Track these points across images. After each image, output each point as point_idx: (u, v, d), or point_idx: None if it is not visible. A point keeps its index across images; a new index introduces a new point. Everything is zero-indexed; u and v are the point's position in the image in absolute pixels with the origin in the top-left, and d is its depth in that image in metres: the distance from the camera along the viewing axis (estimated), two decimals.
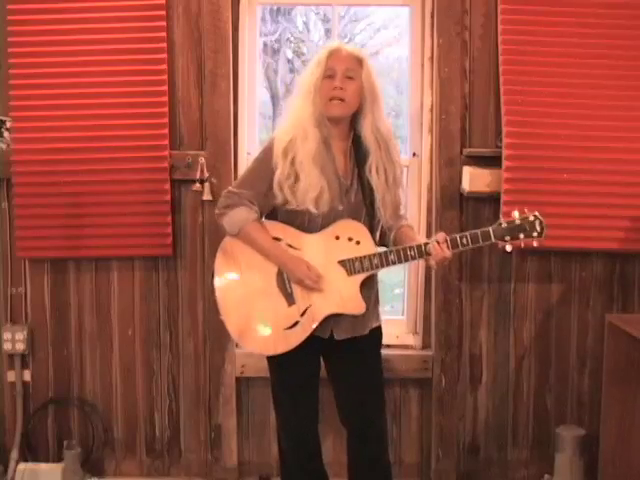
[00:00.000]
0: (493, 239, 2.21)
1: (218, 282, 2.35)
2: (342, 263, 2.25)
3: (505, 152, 2.86)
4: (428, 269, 3.07)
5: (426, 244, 2.22)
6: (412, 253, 2.23)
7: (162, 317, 3.10)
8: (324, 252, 2.26)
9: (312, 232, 2.29)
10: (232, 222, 2.30)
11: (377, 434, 2.42)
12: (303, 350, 2.33)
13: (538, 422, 3.11)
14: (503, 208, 2.85)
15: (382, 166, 2.30)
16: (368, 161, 2.29)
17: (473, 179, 2.90)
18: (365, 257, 2.24)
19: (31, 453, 3.13)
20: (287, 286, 2.28)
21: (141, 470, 3.17)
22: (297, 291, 2.27)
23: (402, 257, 2.23)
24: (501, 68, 2.89)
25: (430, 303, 3.08)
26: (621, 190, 2.86)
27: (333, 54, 2.26)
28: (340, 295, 2.26)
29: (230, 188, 2.36)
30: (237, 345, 3.04)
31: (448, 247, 2.20)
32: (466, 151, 2.96)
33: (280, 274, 2.29)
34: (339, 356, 2.41)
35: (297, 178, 2.24)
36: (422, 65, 3.06)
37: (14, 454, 3.07)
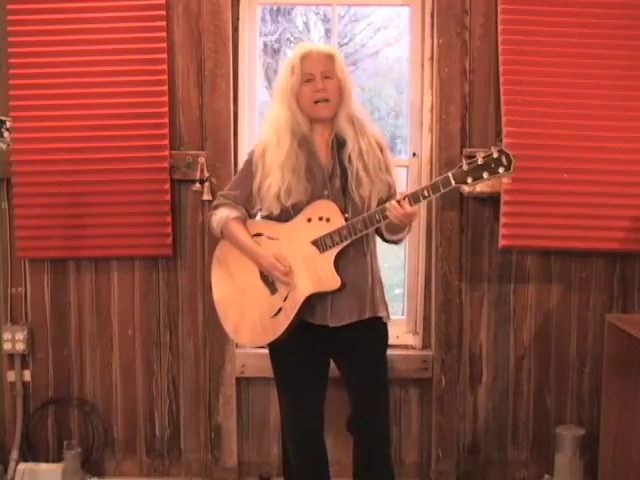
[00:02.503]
0: (454, 183, 2.17)
1: (214, 290, 2.48)
2: (314, 242, 2.30)
3: None
4: (428, 269, 3.07)
5: (388, 203, 2.22)
6: (377, 217, 2.24)
7: (162, 317, 3.10)
8: (298, 237, 2.32)
9: None
10: (217, 221, 2.42)
11: (381, 435, 2.43)
12: (307, 349, 2.36)
13: (538, 422, 3.11)
14: (503, 208, 2.85)
15: (357, 146, 2.33)
16: (346, 147, 2.34)
17: None
18: (334, 232, 2.28)
19: (31, 453, 3.13)
20: (269, 277, 2.36)
21: (141, 470, 3.17)
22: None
23: (368, 222, 2.26)
24: (501, 68, 2.89)
25: (430, 303, 3.08)
26: (621, 190, 2.86)
27: (305, 58, 2.30)
28: (316, 274, 2.30)
29: (220, 192, 2.51)
30: (237, 345, 3.04)
31: (410, 203, 2.19)
32: (466, 151, 2.96)
33: None
34: (344, 360, 2.43)
35: (264, 181, 2.33)
36: (422, 65, 3.06)
37: (14, 454, 3.07)
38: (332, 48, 2.36)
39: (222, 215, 2.40)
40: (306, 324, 2.33)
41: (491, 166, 2.15)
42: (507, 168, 2.15)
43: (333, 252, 2.29)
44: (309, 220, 2.31)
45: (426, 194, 2.20)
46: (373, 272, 2.40)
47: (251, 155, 2.42)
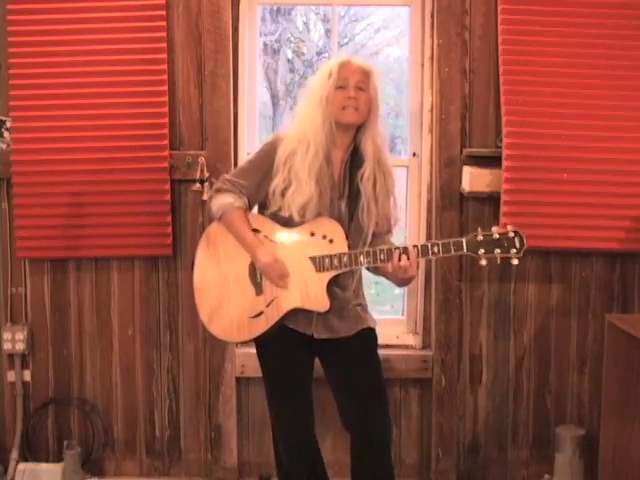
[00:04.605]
0: (465, 250, 2.19)
1: (197, 268, 2.42)
2: (312, 259, 2.28)
3: (505, 152, 2.86)
4: (428, 269, 3.07)
5: (397, 248, 2.23)
6: (382, 257, 2.23)
7: (162, 317, 3.10)
8: (297, 247, 2.30)
9: None
10: (218, 205, 2.36)
11: (383, 438, 2.40)
12: (295, 352, 2.36)
13: (538, 422, 3.11)
14: (503, 208, 2.85)
15: (373, 175, 2.33)
16: (362, 169, 2.33)
17: (473, 179, 2.90)
18: (335, 255, 2.26)
19: (31, 453, 3.13)
20: (257, 276, 2.34)
21: (141, 470, 3.17)
22: (266, 282, 2.32)
23: (372, 259, 2.24)
24: (501, 68, 2.89)
25: (430, 303, 3.08)
26: (621, 190, 2.86)
27: (344, 66, 2.30)
28: (306, 290, 2.29)
29: (226, 175, 2.44)
30: (237, 345, 3.04)
31: (418, 253, 2.20)
32: (466, 151, 2.96)
33: (253, 264, 2.34)
34: (335, 359, 2.41)
35: (290, 185, 2.29)
36: (422, 65, 3.06)
37: (14, 454, 3.07)
38: (371, 66, 2.34)
39: (225, 201, 2.34)
40: (291, 329, 2.33)
41: (504, 244, 2.18)
42: (518, 251, 2.18)
43: (329, 275, 2.27)
44: (312, 234, 2.29)
45: (435, 250, 2.20)
46: (356, 293, 2.41)
47: (272, 149, 2.34)
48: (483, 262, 2.19)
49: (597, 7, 2.88)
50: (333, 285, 2.30)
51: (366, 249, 2.28)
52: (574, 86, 2.87)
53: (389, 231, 2.45)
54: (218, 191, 2.38)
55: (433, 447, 3.08)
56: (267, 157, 2.35)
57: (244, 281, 2.35)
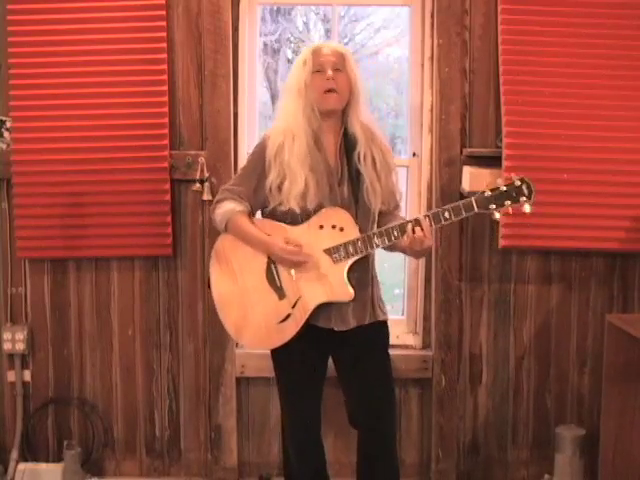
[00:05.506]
0: (476, 209, 2.19)
1: (214, 284, 2.42)
2: (327, 251, 2.28)
3: (505, 152, 2.86)
4: (428, 269, 3.07)
5: (409, 221, 2.23)
6: (395, 233, 2.23)
7: (162, 317, 3.10)
8: (309, 243, 2.28)
9: None
10: (221, 214, 2.36)
11: (388, 431, 2.42)
12: (312, 351, 2.36)
13: (538, 422, 3.11)
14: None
15: (370, 154, 2.34)
16: (356, 151, 2.33)
17: (473, 179, 2.89)
18: (349, 243, 2.26)
19: (31, 453, 3.13)
20: (277, 280, 2.32)
21: (141, 470, 3.17)
22: (286, 284, 2.31)
23: (386, 238, 2.24)
24: (501, 68, 2.89)
25: (430, 303, 3.08)
26: (621, 190, 2.86)
27: (317, 51, 2.32)
28: (328, 283, 2.28)
29: (224, 186, 2.45)
30: (237, 345, 3.05)
31: (430, 223, 2.20)
32: (466, 151, 2.96)
33: (269, 269, 2.33)
34: (348, 355, 2.41)
35: (285, 178, 2.29)
36: (422, 65, 3.06)
37: (14, 454, 3.07)
38: (344, 48, 2.36)
39: (227, 208, 2.35)
40: (309, 325, 2.32)
41: (513, 195, 2.18)
42: (528, 197, 2.18)
43: (346, 263, 2.27)
44: (321, 227, 2.29)
45: (447, 216, 2.20)
46: (373, 278, 2.41)
47: (261, 150, 2.35)
48: (497, 216, 2.20)
49: (597, 7, 2.88)
50: (350, 273, 2.29)
51: (378, 229, 2.27)
52: (574, 86, 2.87)
53: (397, 206, 2.45)
54: (218, 202, 2.39)
55: (433, 447, 3.08)
56: (259, 159, 2.36)
57: (264, 288, 2.33)
